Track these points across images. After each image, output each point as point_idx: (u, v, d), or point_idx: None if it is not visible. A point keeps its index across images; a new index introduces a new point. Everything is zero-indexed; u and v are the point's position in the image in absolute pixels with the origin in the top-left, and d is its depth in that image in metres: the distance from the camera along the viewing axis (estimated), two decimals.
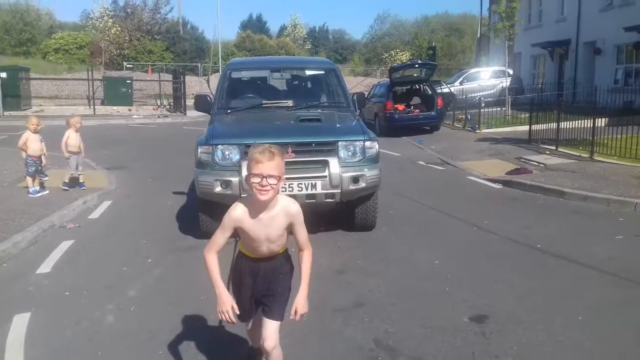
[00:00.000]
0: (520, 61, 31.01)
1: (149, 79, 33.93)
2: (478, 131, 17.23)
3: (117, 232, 6.92)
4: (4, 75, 23.21)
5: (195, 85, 34.63)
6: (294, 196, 5.49)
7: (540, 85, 25.42)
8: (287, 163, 5.60)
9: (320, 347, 3.81)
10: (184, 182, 9.19)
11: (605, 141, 11.20)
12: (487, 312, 4.33)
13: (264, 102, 7.23)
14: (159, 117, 24.40)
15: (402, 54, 49.67)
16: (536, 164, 10.89)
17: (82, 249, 6.19)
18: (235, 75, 7.72)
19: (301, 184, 5.79)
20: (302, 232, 2.92)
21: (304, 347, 3.74)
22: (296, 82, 8.22)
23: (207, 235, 5.17)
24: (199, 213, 6.20)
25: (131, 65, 42.67)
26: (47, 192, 8.55)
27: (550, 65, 28.21)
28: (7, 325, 4.23)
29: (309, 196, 5.76)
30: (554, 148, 12.25)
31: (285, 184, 5.37)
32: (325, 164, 5.87)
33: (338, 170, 5.85)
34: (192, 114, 25.63)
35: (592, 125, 11.11)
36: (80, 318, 4.36)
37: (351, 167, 5.95)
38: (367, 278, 5.14)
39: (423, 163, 12.33)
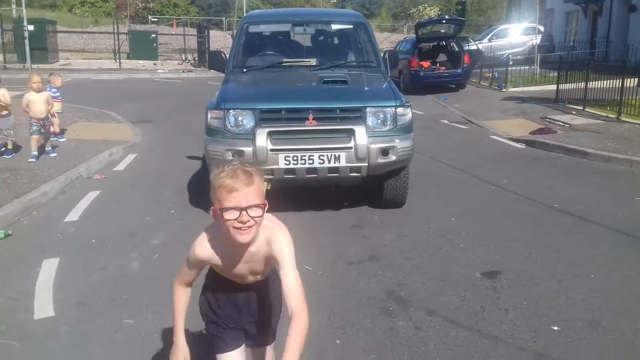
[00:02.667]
0: (553, 18, 30.04)
1: (173, 33, 33.87)
2: (504, 90, 16.92)
3: (141, 184, 7.10)
4: (31, 28, 23.37)
5: (219, 39, 34.40)
6: (314, 169, 5.20)
7: (571, 43, 24.78)
8: (308, 132, 5.19)
9: (334, 297, 3.94)
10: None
11: (634, 102, 10.95)
12: (499, 268, 4.41)
13: (284, 60, 6.59)
14: (183, 71, 24.47)
15: (431, 9, 48.53)
16: (561, 124, 10.74)
17: (107, 199, 6.40)
18: (252, 29, 6.98)
19: (323, 155, 5.19)
20: (290, 276, 1.94)
21: (318, 297, 3.88)
22: (321, 38, 7.52)
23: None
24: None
25: (156, 19, 42.56)
26: (54, 155, 7.91)
27: (583, 22, 27.28)
28: (37, 270, 4.45)
29: (331, 169, 5.21)
30: (581, 108, 12.02)
31: (305, 155, 5.16)
32: (351, 133, 5.23)
33: (365, 140, 5.20)
34: None
35: (620, 85, 10.83)
36: (105, 264, 4.56)
37: (380, 137, 5.31)
38: (383, 232, 5.24)
39: (446, 122, 12.24)
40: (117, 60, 26.09)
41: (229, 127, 5.33)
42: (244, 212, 1.89)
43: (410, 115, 5.56)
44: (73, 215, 5.82)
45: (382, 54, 6.82)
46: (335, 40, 7.54)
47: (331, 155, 5.20)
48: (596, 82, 12.01)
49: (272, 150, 5.16)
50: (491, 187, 6.81)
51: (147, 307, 3.79)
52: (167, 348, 1.88)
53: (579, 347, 3.29)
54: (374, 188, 5.80)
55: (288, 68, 6.43)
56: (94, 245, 5.00)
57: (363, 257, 4.67)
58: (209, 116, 5.49)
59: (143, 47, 28.52)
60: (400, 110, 5.45)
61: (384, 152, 5.27)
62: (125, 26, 34.22)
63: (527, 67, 19.08)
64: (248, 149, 5.16)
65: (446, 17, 22.77)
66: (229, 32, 37.88)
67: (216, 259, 2.10)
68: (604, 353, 3.23)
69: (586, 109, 11.88)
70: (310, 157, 5.19)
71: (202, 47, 27.92)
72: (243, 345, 2.30)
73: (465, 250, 4.81)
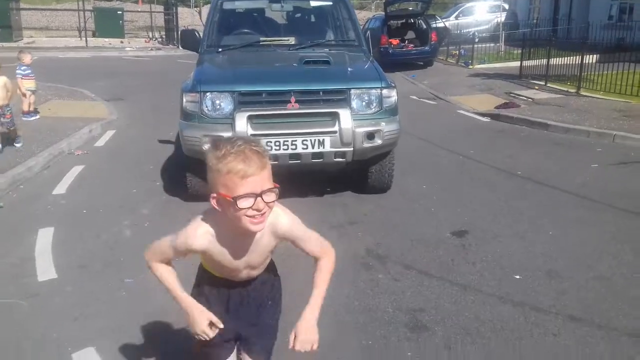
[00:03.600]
0: None
1: (139, 9, 33.34)
2: (471, 67, 17.41)
3: (124, 159, 7.30)
4: None
5: (187, 17, 33.99)
6: (297, 155, 4.93)
7: (535, 21, 25.41)
8: (290, 115, 4.93)
9: None
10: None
11: (594, 77, 11.50)
12: (467, 228, 4.82)
13: (261, 39, 6.29)
14: (151, 49, 24.26)
15: None
16: (525, 98, 11.24)
17: (92, 173, 6.59)
18: (227, 6, 6.65)
19: (306, 140, 4.93)
20: (310, 242, 1.99)
21: (302, 256, 4.23)
22: (299, 15, 7.20)
23: (197, 197, 5.02)
24: (186, 173, 5.29)
25: None
26: (19, 145, 7.12)
27: (546, 0, 27.97)
28: (34, 237, 4.68)
29: (315, 155, 4.96)
30: (543, 84, 12.56)
31: (287, 141, 4.91)
32: (335, 116, 4.96)
33: (350, 124, 4.95)
34: None
35: (580, 62, 11.38)
36: (99, 232, 4.81)
37: (366, 120, 5.07)
38: (362, 203, 5.58)
39: (415, 97, 12.63)
40: (84, 38, 25.64)
41: (206, 111, 5.03)
42: (259, 198, 1.70)
43: (395, 97, 5.34)
44: (60, 189, 6.02)
45: (363, 32, 6.63)
46: (314, 18, 7.27)
47: (315, 140, 4.93)
48: (558, 58, 12.58)
49: (253, 135, 4.80)
50: (459, 158, 7.23)
51: (145, 269, 4.06)
52: (170, 300, 2.01)
53: (538, 292, 3.72)
54: (357, 173, 5.61)
55: (266, 47, 6.18)
56: (85, 216, 5.23)
57: (344, 222, 5.03)
58: (184, 99, 5.16)
59: (109, 24, 28.03)
60: (385, 91, 5.22)
61: (370, 136, 5.03)
62: (90, 3, 33.45)
63: (493, 45, 19.60)
64: (227, 134, 4.72)
65: None
66: (196, 9, 37.42)
67: (214, 251, 1.88)
68: (559, 297, 3.66)
69: (548, 84, 12.43)
70: (293, 142, 4.92)
71: (170, 24, 27.60)
72: (234, 352, 2.15)
73: (436, 213, 5.21)
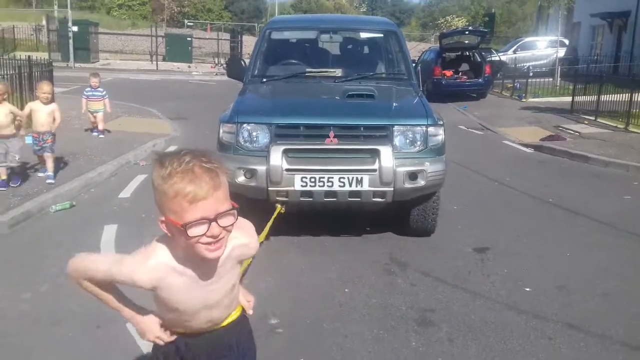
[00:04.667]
0: (579, 31, 30.44)
1: (207, 37, 35.12)
2: (524, 100, 17.53)
3: None
4: (75, 29, 24.78)
5: (251, 45, 35.41)
6: (333, 193, 4.63)
7: (596, 57, 25.21)
8: (328, 151, 4.70)
9: (346, 259, 4.76)
10: None
11: None
12: (489, 245, 5.17)
13: (307, 70, 6.07)
14: (216, 74, 25.57)
15: (458, 20, 49.06)
16: (572, 132, 11.37)
17: None
18: (275, 36, 6.51)
19: (343, 178, 4.62)
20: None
21: (331, 259, 4.71)
22: (349, 47, 7.01)
23: None
24: None
25: (192, 24, 43.97)
26: (51, 181, 6.55)
27: (608, 36, 27.65)
28: (100, 232, 5.36)
29: (352, 193, 4.65)
30: (593, 119, 12.61)
31: (324, 177, 4.64)
32: (376, 154, 4.67)
33: (391, 162, 4.64)
34: None
35: (629, 98, 11.45)
36: (155, 232, 5.43)
37: (408, 159, 4.76)
38: (390, 217, 5.99)
39: (464, 127, 12.94)
40: (155, 62, 27.34)
41: (242, 143, 4.85)
42: (214, 223, 1.48)
43: (442, 135, 5.01)
44: (125, 193, 6.74)
45: (414, 66, 6.38)
46: (364, 50, 7.05)
47: (353, 177, 4.63)
48: (610, 95, 12.65)
49: (287, 170, 4.63)
50: (494, 184, 7.54)
51: None
52: None
53: (543, 303, 4.04)
54: (398, 214, 5.31)
55: (311, 79, 5.94)
56: (145, 218, 5.86)
57: (371, 234, 5.46)
58: (221, 130, 5.03)
59: (178, 49, 29.76)
60: (431, 129, 4.90)
61: (412, 176, 4.71)
62: (162, 29, 35.57)
63: (549, 79, 19.66)
64: (261, 168, 4.63)
65: (470, 28, 23.48)
66: None
67: (164, 287, 1.60)
68: (563, 308, 3.97)
69: (598, 119, 12.47)
70: (330, 179, 4.63)
71: (235, 51, 29.04)
72: None
73: (462, 231, 5.57)
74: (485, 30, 23.15)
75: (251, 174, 4.69)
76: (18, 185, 6.36)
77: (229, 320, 1.80)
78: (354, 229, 5.42)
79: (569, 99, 15.42)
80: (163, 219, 1.54)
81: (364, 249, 5.02)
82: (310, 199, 4.72)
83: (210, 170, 1.48)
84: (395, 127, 4.85)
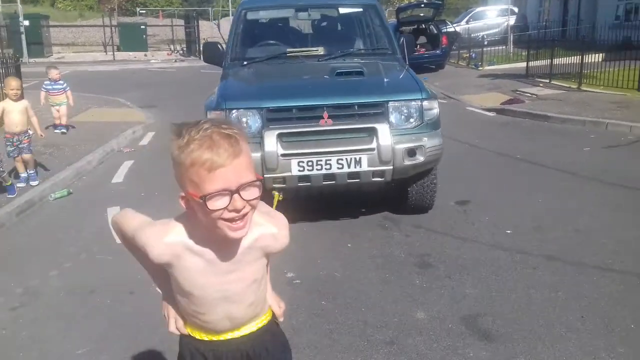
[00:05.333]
0: None
1: (161, 24, 34.67)
2: (481, 68, 18.21)
3: (167, 154, 8.22)
4: (26, 23, 24.17)
5: (206, 30, 35.13)
6: (332, 175, 4.50)
7: (544, 23, 26.17)
8: (323, 132, 4.53)
9: (343, 220, 5.19)
10: None
11: (596, 74, 12.31)
12: (468, 198, 5.67)
13: (288, 50, 5.90)
14: (175, 61, 25.45)
15: None
16: (529, 95, 12.03)
17: (143, 166, 7.55)
18: (251, 16, 6.31)
19: (341, 159, 4.50)
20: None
21: (333, 222, 5.13)
22: (327, 24, 6.81)
23: None
24: None
25: (144, 11, 43.21)
26: (35, 183, 6.33)
27: (555, 2, 28.68)
28: (104, 214, 5.61)
29: (351, 175, 4.54)
30: (547, 81, 13.33)
31: (321, 160, 4.50)
32: (373, 132, 4.56)
33: (389, 140, 4.53)
34: None
35: (580, 60, 12.18)
36: (159, 208, 5.71)
37: (406, 135, 4.66)
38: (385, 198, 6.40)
39: None
40: (111, 53, 26.91)
41: None
42: (235, 195, 1.36)
43: (437, 108, 4.94)
44: (118, 178, 6.98)
45: (398, 40, 6.25)
46: (343, 26, 6.79)
47: (351, 158, 4.51)
48: (562, 58, 13.40)
49: (283, 155, 4.51)
50: (466, 146, 8.06)
51: None
52: None
53: (524, 241, 4.57)
54: (395, 192, 5.22)
55: (293, 59, 5.76)
56: (144, 198, 6.16)
57: (363, 200, 5.89)
58: (208, 117, 4.66)
59: (133, 38, 29.30)
60: (426, 103, 4.81)
61: (411, 152, 4.61)
62: (113, 18, 34.89)
63: (502, 47, 20.42)
64: (256, 155, 4.36)
65: (424, 1, 23.98)
66: (214, 21, 38.69)
67: (179, 267, 1.51)
68: (541, 244, 4.50)
69: (552, 82, 13.19)
70: (328, 162, 4.49)
71: (191, 37, 28.85)
72: None
73: (443, 188, 5.99)
74: (439, 2, 23.70)
75: None
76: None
77: (258, 326, 1.64)
78: (350, 211, 5.37)
79: (524, 64, 16.15)
80: (183, 194, 1.43)
81: (359, 212, 5.44)
82: (309, 184, 4.59)
83: (230, 137, 1.36)
84: (390, 104, 4.71)
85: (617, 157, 7.14)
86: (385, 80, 5.11)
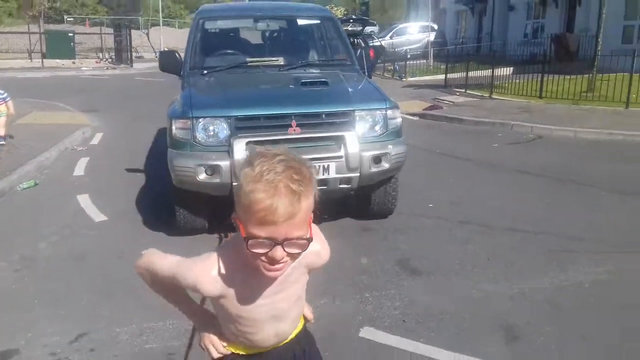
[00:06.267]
0: (446, 16, 33.68)
1: (89, 32, 34.31)
2: (404, 80, 19.65)
3: (121, 152, 8.77)
4: None
5: (136, 38, 35.10)
6: None
7: (461, 40, 28.31)
8: (291, 141, 4.55)
9: None
10: (159, 122, 11.02)
11: (506, 84, 13.95)
12: (400, 182, 6.68)
13: (248, 59, 5.98)
14: (107, 69, 25.47)
15: (337, 10, 51.38)
16: (448, 102, 13.40)
17: (100, 162, 8.08)
18: (209, 25, 6.39)
19: None
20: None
21: None
22: (285, 35, 6.93)
23: (188, 231, 4.94)
24: (175, 207, 4.89)
25: (72, 19, 42.40)
26: None
27: (471, 20, 31.02)
28: (75, 200, 6.17)
29: (319, 182, 4.39)
30: (463, 91, 14.82)
31: None
32: (341, 140, 4.63)
33: (357, 148, 4.63)
34: (139, 66, 26.83)
35: (492, 73, 13.76)
36: (128, 194, 6.34)
37: (371, 143, 4.80)
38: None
39: None
40: (37, 60, 26.51)
41: (199, 139, 4.65)
42: (278, 247, 1.34)
43: (400, 117, 5.16)
44: (78, 172, 7.50)
45: (357, 52, 6.48)
46: (302, 37, 6.87)
47: (319, 166, 4.54)
48: (477, 71, 15.01)
49: None
50: None
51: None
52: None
53: (443, 211, 5.59)
54: (358, 199, 5.34)
55: (254, 68, 5.82)
56: (109, 186, 6.75)
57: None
58: (173, 126, 4.75)
59: (60, 46, 28.92)
60: (390, 112, 4.99)
61: (377, 160, 4.76)
62: (37, 26, 34.16)
63: (424, 61, 22.07)
64: (225, 163, 4.49)
65: (353, 17, 25.39)
66: (144, 31, 38.67)
67: (226, 291, 1.51)
68: (457, 214, 5.54)
69: (467, 91, 14.69)
70: None
71: (121, 45, 28.83)
72: None
73: None
74: (367, 18, 25.21)
75: (213, 170, 4.52)
76: None
77: (296, 332, 1.69)
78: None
79: (442, 76, 17.72)
80: (234, 216, 1.40)
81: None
82: None
83: (294, 193, 1.31)
84: (357, 112, 4.83)
85: (519, 151, 8.47)
86: (350, 90, 5.23)
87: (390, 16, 57.16)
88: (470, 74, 15.01)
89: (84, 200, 6.18)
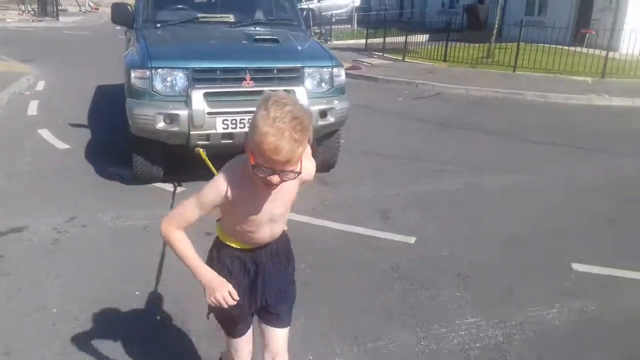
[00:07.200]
0: None
1: None
2: (329, 42, 20.91)
3: (67, 95, 9.58)
4: None
5: None
6: None
7: (385, 7, 29.79)
8: (245, 93, 4.87)
9: None
10: (96, 72, 11.80)
11: (419, 50, 15.60)
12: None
13: (199, 15, 6.18)
14: (33, 21, 25.10)
15: None
16: (366, 63, 14.86)
17: (50, 103, 8.91)
18: None
19: None
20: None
21: None
22: None
23: (144, 180, 5.26)
24: (133, 154, 5.13)
25: None
26: None
27: None
28: (38, 133, 7.07)
29: None
30: (381, 54, 16.33)
31: (244, 119, 4.80)
32: (291, 94, 4.30)
33: (306, 102, 4.83)
34: (64, 19, 26.55)
35: (405, 39, 15.33)
36: (81, 130, 7.33)
37: (318, 98, 5.12)
38: None
39: None
40: None
41: (158, 89, 4.84)
42: (276, 175, 1.70)
43: (344, 75, 5.50)
44: (32, 111, 8.35)
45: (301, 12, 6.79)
46: None
47: None
48: (395, 37, 16.56)
49: (209, 113, 4.78)
50: None
51: None
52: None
53: (369, 149, 7.00)
54: None
55: (206, 24, 6.03)
56: (64, 123, 7.62)
57: None
58: (132, 75, 4.92)
59: None
60: (336, 70, 5.32)
61: (323, 114, 5.11)
62: None
63: (348, 26, 23.40)
64: (183, 112, 4.75)
65: None
66: None
67: (236, 195, 1.84)
68: (381, 149, 6.96)
69: (385, 55, 16.20)
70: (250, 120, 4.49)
71: None
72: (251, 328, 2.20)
73: None
74: None
75: (171, 119, 4.74)
76: None
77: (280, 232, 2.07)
78: None
79: (363, 40, 19.19)
80: (246, 142, 1.73)
81: None
82: (231, 141, 4.83)
83: (296, 142, 1.64)
84: (306, 69, 5.13)
85: (420, 104, 10.09)
86: (299, 48, 5.53)
87: None
88: (388, 39, 16.53)
89: (45, 134, 7.11)
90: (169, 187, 5.34)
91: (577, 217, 4.97)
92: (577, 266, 4.02)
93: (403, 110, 9.42)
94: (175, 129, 4.76)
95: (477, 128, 8.27)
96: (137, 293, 3.49)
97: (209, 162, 4.27)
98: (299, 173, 1.74)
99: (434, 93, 11.13)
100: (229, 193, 1.83)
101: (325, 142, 5.52)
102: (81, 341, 2.97)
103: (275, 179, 1.72)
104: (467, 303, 3.49)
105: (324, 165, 5.67)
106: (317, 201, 5.08)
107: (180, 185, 5.32)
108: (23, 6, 30.36)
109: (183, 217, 1.89)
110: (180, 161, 5.41)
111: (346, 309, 3.39)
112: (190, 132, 4.77)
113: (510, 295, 3.62)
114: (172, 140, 4.87)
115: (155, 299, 3.45)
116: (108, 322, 3.19)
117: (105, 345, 2.92)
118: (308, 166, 1.91)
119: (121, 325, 3.18)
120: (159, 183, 5.39)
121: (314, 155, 2.07)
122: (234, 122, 4.84)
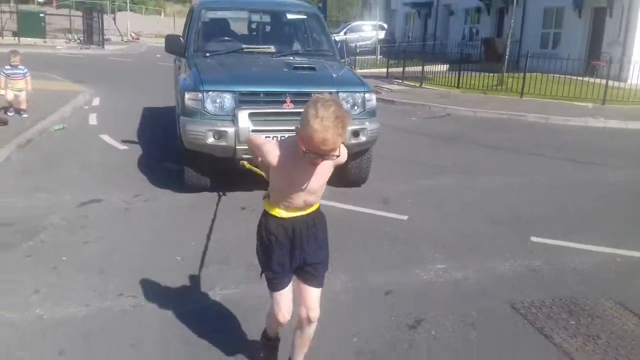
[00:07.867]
0: (396, 17, 36.66)
1: (60, 13, 35.62)
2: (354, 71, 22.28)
3: (122, 110, 10.97)
4: None
5: (104, 22, 36.66)
6: None
7: (408, 38, 31.26)
8: (285, 114, 5.51)
9: None
10: (144, 93, 13.26)
11: (437, 78, 16.84)
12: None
13: (244, 46, 6.93)
14: (81, 48, 27.13)
15: None
16: (386, 89, 16.11)
17: (107, 116, 10.31)
18: (209, 14, 7.27)
19: None
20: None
21: None
22: (276, 27, 7.88)
23: (193, 189, 5.88)
24: (184, 167, 5.81)
25: (42, 0, 43.47)
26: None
27: (418, 21, 34.03)
28: (101, 138, 8.42)
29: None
30: (400, 81, 17.61)
31: (284, 136, 5.03)
32: None
33: None
34: (110, 47, 28.58)
35: (422, 67, 16.64)
36: (138, 138, 8.66)
37: (351, 120, 4.63)
38: None
39: None
40: (8, 38, 27.82)
41: (208, 109, 5.51)
42: (320, 157, 2.19)
43: (375, 100, 6.14)
44: (92, 122, 9.77)
45: (336, 44, 7.39)
46: (291, 29, 7.87)
47: None
48: (415, 66, 17.85)
49: (253, 130, 5.33)
50: None
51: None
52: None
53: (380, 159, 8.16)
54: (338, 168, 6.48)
55: (249, 54, 6.72)
56: (122, 131, 8.97)
57: None
58: (186, 97, 5.63)
59: (31, 25, 30.27)
60: (367, 95, 5.96)
61: (356, 134, 5.67)
62: (7, 6, 35.22)
63: (373, 56, 24.81)
64: (230, 129, 5.40)
65: None
66: (111, 15, 40.13)
67: (285, 168, 2.32)
68: (389, 155, 8.12)
69: (404, 82, 17.47)
70: None
71: (91, 28, 30.45)
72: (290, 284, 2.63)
73: None
74: (324, 14, 27.63)
75: (220, 135, 5.42)
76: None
77: (315, 208, 2.56)
78: None
79: (385, 69, 20.53)
80: (299, 129, 2.18)
81: None
82: None
83: (338, 135, 2.10)
84: (340, 94, 5.74)
85: (430, 123, 11.27)
86: (334, 75, 6.16)
87: (347, 13, 60.08)
88: (408, 68, 17.82)
89: (106, 138, 8.46)
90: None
91: (551, 207, 6.04)
92: (535, 239, 5.07)
93: (414, 127, 10.60)
94: (224, 143, 5.44)
95: (477, 142, 9.39)
96: (177, 258, 4.58)
97: (255, 169, 5.07)
98: (338, 156, 2.23)
99: (444, 114, 12.30)
100: (280, 159, 2.31)
101: (357, 159, 6.09)
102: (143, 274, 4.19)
103: (319, 160, 2.23)
104: (440, 257, 4.59)
105: (355, 182, 6.37)
106: (328, 189, 6.20)
107: (224, 194, 5.94)
108: (70, 35, 32.63)
109: (260, 140, 2.48)
110: (225, 175, 6.10)
111: (348, 258, 4.50)
112: (237, 147, 5.44)
113: (475, 252, 4.71)
114: (220, 153, 5.53)
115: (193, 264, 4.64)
116: (156, 282, 4.28)
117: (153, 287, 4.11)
118: (343, 152, 2.36)
119: (168, 281, 4.38)
120: (207, 192, 5.95)
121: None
122: (275, 139, 5.15)
